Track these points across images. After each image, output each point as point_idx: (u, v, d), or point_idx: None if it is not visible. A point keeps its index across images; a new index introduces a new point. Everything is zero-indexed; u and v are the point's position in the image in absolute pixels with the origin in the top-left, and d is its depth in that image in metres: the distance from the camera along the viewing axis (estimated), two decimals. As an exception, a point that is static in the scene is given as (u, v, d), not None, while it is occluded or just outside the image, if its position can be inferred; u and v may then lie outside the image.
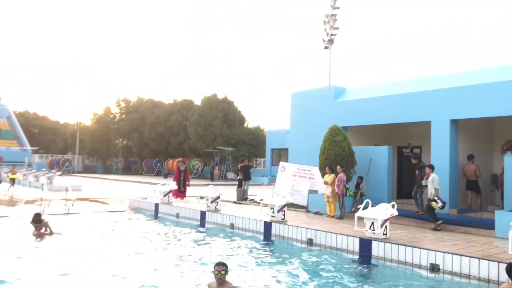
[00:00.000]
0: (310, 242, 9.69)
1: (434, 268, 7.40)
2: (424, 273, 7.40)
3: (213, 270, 5.34)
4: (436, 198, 10.36)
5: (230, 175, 39.03)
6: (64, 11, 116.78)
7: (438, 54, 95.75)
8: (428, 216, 10.70)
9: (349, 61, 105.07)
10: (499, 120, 13.87)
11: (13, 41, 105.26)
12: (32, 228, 10.29)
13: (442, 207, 10.29)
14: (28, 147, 56.53)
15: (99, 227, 11.97)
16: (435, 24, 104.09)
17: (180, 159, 19.68)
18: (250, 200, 18.01)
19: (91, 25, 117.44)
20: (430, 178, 10.69)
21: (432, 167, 11.06)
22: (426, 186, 11.10)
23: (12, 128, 61.72)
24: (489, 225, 9.83)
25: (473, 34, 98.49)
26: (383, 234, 8.63)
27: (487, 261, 6.80)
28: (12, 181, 22.94)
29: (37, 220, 10.32)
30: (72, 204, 14.66)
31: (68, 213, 14.18)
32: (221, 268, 5.29)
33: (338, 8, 20.38)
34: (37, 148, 57.49)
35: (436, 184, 10.51)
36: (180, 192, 17.31)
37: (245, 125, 45.20)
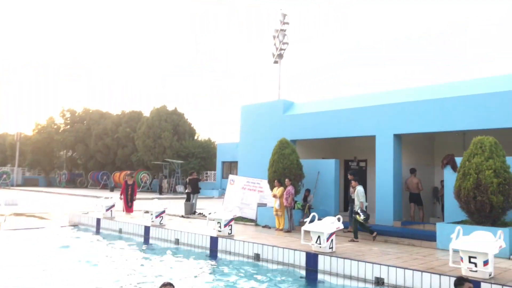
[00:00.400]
0: (257, 257, 9.48)
1: (379, 281, 7.42)
2: (370, 287, 7.40)
3: None
4: (359, 211, 10.55)
5: (180, 188, 38.25)
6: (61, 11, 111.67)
7: (433, 56, 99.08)
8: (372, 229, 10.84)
9: (341, 64, 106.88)
10: (438, 136, 14.47)
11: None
12: None
13: (365, 219, 10.48)
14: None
15: (33, 244, 11.15)
16: (433, 25, 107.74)
17: (128, 172, 18.57)
18: (199, 214, 17.60)
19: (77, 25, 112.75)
20: (355, 192, 10.87)
21: (357, 181, 11.21)
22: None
23: None
24: (431, 237, 10.09)
25: (472, 34, 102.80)
26: (329, 248, 8.59)
27: (429, 273, 6.89)
28: None
29: None
30: (4, 220, 13.64)
31: (-1, 230, 13.17)
32: None
33: (287, 23, 20.68)
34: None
35: (360, 197, 10.68)
36: (128, 207, 16.58)
37: (195, 137, 44.63)
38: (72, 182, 52.30)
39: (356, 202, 10.73)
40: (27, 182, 52.78)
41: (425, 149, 15.07)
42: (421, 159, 14.68)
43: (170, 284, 5.06)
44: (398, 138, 12.82)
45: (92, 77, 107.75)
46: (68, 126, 52.44)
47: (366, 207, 10.77)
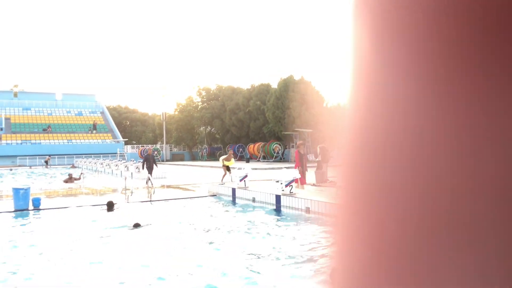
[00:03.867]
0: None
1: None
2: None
3: None
4: None
5: (311, 157, 38.42)
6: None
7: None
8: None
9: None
10: None
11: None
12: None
13: None
14: (120, 139, 60.60)
15: (178, 214, 12.17)
16: None
17: (301, 142, 17.68)
18: (330, 181, 17.33)
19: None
20: None
21: None
22: None
23: (106, 122, 66.57)
24: None
25: None
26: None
27: None
28: (226, 168, 18.89)
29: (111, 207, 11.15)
30: (154, 192, 15.18)
31: (151, 201, 14.72)
32: None
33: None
34: (126, 139, 61.48)
35: None
36: (304, 178, 15.49)
37: (324, 104, 44.11)
38: (213, 155, 56.37)
39: None
40: (174, 157, 58.52)
41: None
42: None
43: None
44: None
45: (222, 53, 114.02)
46: (205, 104, 56.32)
47: None
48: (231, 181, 17.26)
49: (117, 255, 7.57)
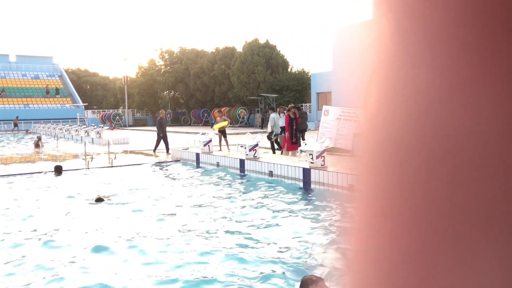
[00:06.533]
0: (351, 187, 9.12)
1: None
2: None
3: None
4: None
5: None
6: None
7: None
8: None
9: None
10: None
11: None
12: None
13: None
14: (81, 104, 58.59)
15: (142, 178, 12.01)
16: None
17: (292, 105, 15.86)
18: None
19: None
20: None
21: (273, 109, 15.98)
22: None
23: (65, 86, 63.99)
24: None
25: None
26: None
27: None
28: (221, 133, 16.47)
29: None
30: (115, 157, 14.86)
31: (112, 166, 14.42)
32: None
33: None
34: (86, 104, 59.44)
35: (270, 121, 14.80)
36: (293, 144, 14.46)
37: (289, 69, 43.94)
38: (177, 120, 55.59)
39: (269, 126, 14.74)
40: (137, 122, 57.30)
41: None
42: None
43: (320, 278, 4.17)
44: None
45: (185, 15, 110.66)
46: (168, 67, 54.91)
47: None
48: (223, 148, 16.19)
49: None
